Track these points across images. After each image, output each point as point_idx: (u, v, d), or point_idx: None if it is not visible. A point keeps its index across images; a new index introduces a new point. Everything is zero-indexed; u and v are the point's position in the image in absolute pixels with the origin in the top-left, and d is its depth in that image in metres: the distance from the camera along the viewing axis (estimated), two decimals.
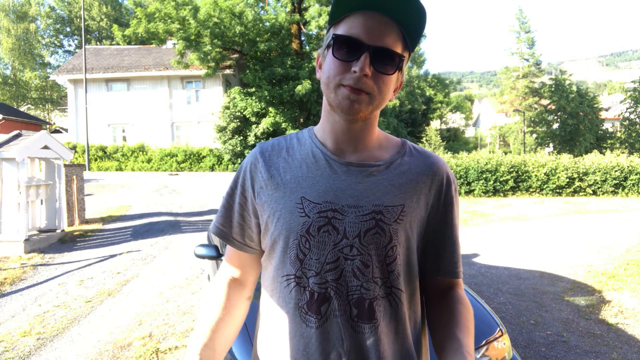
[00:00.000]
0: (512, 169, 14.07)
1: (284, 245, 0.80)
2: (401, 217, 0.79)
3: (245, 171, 0.88)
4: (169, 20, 19.72)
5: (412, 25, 0.76)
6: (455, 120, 52.59)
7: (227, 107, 20.30)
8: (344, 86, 0.75)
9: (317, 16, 19.75)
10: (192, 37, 19.85)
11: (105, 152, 22.23)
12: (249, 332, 2.11)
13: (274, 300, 0.83)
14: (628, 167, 14.26)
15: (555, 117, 28.70)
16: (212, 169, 21.62)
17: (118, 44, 27.17)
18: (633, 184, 14.24)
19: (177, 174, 19.64)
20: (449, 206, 0.85)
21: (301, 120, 20.85)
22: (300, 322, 0.78)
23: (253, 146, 19.78)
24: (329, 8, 0.92)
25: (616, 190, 14.26)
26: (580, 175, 14.24)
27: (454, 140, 42.64)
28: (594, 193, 14.26)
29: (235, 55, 21.91)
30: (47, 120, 38.58)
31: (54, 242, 6.98)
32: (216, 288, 0.93)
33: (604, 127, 29.45)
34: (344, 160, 0.82)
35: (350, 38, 0.74)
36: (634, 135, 28.13)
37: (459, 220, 0.90)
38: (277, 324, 0.82)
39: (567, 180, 14.12)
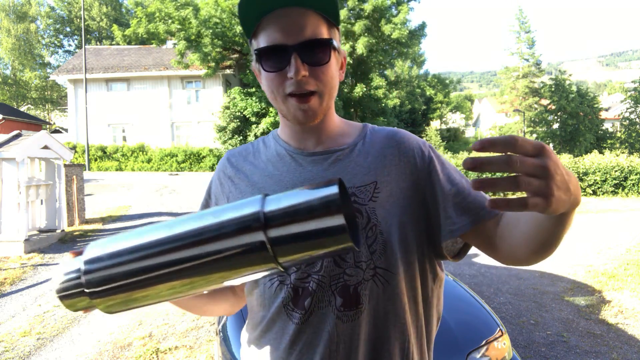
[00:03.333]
0: None
1: None
2: (375, 195, 0.76)
3: (216, 180, 0.90)
4: (170, 21, 19.72)
5: (324, 1, 0.73)
6: (455, 120, 52.60)
7: (227, 107, 20.29)
8: (290, 96, 0.74)
9: None
10: (193, 37, 19.86)
11: (105, 152, 22.22)
12: None
13: (259, 303, 0.81)
14: (628, 167, 14.26)
15: (555, 117, 28.69)
16: (212, 169, 21.62)
17: (118, 44, 27.19)
18: (633, 184, 14.24)
19: (177, 174, 19.64)
20: (431, 165, 0.80)
21: None
22: (287, 320, 0.76)
23: None
24: None
25: (616, 190, 14.26)
26: (580, 175, 14.24)
27: (454, 140, 42.65)
28: (594, 193, 14.26)
29: (236, 55, 21.91)
30: (47, 120, 38.59)
31: (54, 242, 6.98)
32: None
33: (604, 127, 29.44)
34: (308, 152, 0.82)
35: (273, 47, 0.72)
36: (634, 135, 28.11)
37: (455, 171, 0.83)
38: (266, 326, 0.80)
39: None
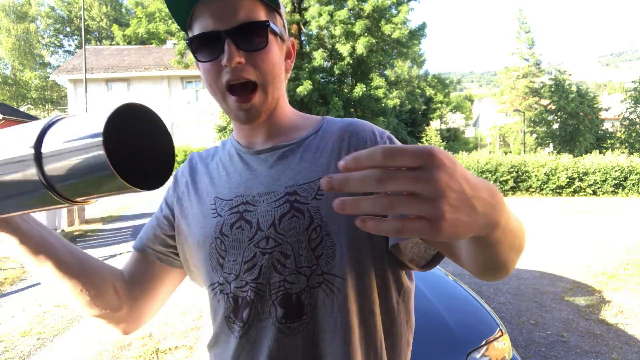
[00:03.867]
0: (512, 169, 14.08)
1: (204, 253, 0.72)
2: (320, 193, 0.67)
3: (173, 178, 0.84)
4: (170, 21, 19.73)
5: None
6: (455, 120, 52.63)
7: None
8: (230, 94, 0.67)
9: (317, 16, 19.75)
10: None
11: None
12: None
13: (208, 315, 0.74)
14: (628, 167, 14.27)
15: (555, 117, 28.70)
16: None
17: (118, 44, 27.20)
18: (633, 184, 14.25)
19: None
20: None
21: None
22: (229, 333, 0.69)
23: None
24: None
25: (616, 190, 14.26)
26: (580, 175, 14.25)
27: (454, 140, 42.68)
28: (594, 193, 14.26)
29: None
30: None
31: None
32: None
33: (604, 127, 29.45)
34: (255, 150, 0.75)
35: (203, 34, 0.66)
36: (634, 135, 28.12)
37: None
38: (212, 340, 0.73)
39: (567, 180, 14.12)
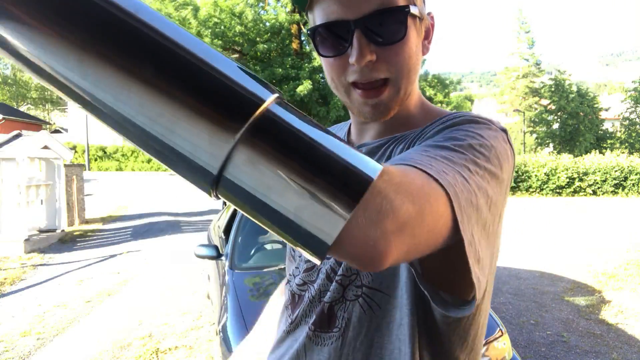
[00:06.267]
0: None
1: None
2: None
3: None
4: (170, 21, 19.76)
5: None
6: None
7: None
8: (354, 87, 0.58)
9: None
10: None
11: (105, 152, 22.25)
12: (248, 331, 2.11)
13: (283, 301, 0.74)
14: (628, 167, 14.28)
15: (555, 117, 28.71)
16: None
17: None
18: (633, 184, 14.25)
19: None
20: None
21: None
22: (284, 323, 0.69)
23: None
24: None
25: (616, 190, 14.26)
26: (580, 175, 14.25)
27: None
28: (594, 193, 14.26)
29: (235, 55, 21.89)
30: (47, 120, 38.59)
31: (54, 242, 6.98)
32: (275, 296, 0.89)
33: (604, 127, 29.47)
34: (360, 143, 0.67)
35: (329, 23, 0.55)
36: (634, 135, 28.14)
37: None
38: (278, 320, 0.75)
39: (567, 180, 14.13)
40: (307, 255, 0.31)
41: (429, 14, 0.63)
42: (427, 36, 0.63)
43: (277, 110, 0.29)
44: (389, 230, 0.32)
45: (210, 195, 0.31)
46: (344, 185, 0.29)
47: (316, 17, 0.57)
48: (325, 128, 0.33)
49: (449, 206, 0.39)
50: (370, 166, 0.31)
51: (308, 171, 0.29)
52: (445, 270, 0.50)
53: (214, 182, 0.29)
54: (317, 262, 0.32)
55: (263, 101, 0.28)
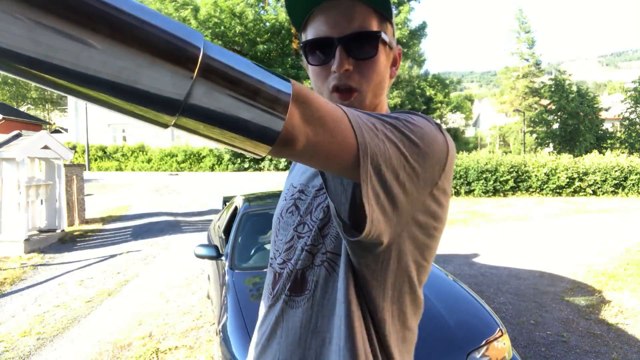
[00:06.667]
0: (512, 169, 14.07)
1: (273, 226, 0.85)
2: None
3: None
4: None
5: None
6: (455, 120, 52.59)
7: None
8: (334, 92, 0.72)
9: None
10: None
11: (105, 152, 22.24)
12: (248, 331, 2.11)
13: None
14: (628, 167, 14.27)
15: (555, 117, 28.70)
16: (212, 169, 21.64)
17: None
18: (633, 184, 14.25)
19: (177, 174, 19.65)
20: None
21: None
22: (266, 300, 0.79)
23: None
24: None
25: (616, 190, 14.26)
26: (580, 175, 14.25)
27: (454, 140, 42.53)
28: (594, 193, 14.26)
29: None
30: (47, 120, 38.59)
31: (54, 242, 6.98)
32: None
33: (604, 127, 29.46)
34: None
35: (318, 39, 0.71)
36: (634, 135, 28.13)
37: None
38: (261, 299, 0.85)
39: (567, 180, 14.12)
40: (256, 149, 0.45)
41: (397, 46, 0.78)
42: (395, 63, 0.78)
43: (211, 51, 0.39)
44: (308, 125, 0.46)
45: (167, 127, 0.40)
46: (276, 98, 0.42)
47: (308, 34, 0.73)
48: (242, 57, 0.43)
49: (355, 140, 0.51)
50: (284, 83, 0.44)
51: (250, 92, 0.41)
52: (349, 202, 0.61)
53: (180, 110, 0.38)
54: (264, 152, 0.45)
55: (199, 49, 0.37)
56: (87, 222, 8.58)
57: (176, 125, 0.40)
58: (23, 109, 37.91)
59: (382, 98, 0.77)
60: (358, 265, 0.65)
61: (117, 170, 21.72)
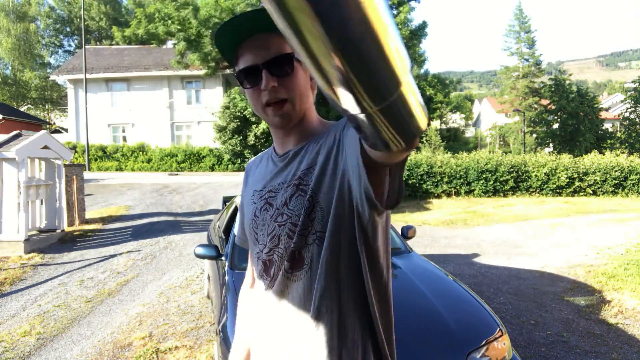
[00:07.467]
0: (512, 169, 14.07)
1: (248, 231, 0.99)
2: (320, 176, 0.85)
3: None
4: (169, 21, 19.73)
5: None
6: (455, 120, 52.51)
7: (227, 107, 20.29)
8: (267, 106, 0.88)
9: None
10: (193, 38, 19.87)
11: (105, 152, 22.22)
12: None
13: (250, 266, 1.05)
14: (628, 167, 14.27)
15: (555, 117, 28.67)
16: (212, 169, 21.63)
17: (118, 44, 27.17)
18: (633, 184, 14.24)
19: (177, 174, 19.64)
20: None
21: None
22: (262, 285, 0.93)
23: (253, 146, 19.86)
24: None
25: (616, 190, 14.26)
26: (580, 175, 14.24)
27: (454, 140, 42.56)
28: (594, 193, 14.26)
29: None
30: (47, 120, 38.58)
31: (54, 242, 6.98)
32: (242, 298, 1.16)
33: (604, 127, 29.42)
34: (282, 153, 0.96)
35: (247, 67, 0.88)
36: (634, 135, 28.11)
37: None
38: (254, 283, 1.03)
39: (567, 180, 14.12)
40: (376, 95, 0.47)
41: None
42: (312, 78, 0.92)
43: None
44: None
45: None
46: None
47: (240, 64, 0.90)
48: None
49: None
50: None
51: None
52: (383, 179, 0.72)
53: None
54: (384, 100, 0.47)
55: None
56: (87, 222, 8.58)
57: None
58: (23, 109, 37.90)
59: (308, 105, 0.93)
60: (368, 220, 0.81)
61: (117, 170, 21.71)
